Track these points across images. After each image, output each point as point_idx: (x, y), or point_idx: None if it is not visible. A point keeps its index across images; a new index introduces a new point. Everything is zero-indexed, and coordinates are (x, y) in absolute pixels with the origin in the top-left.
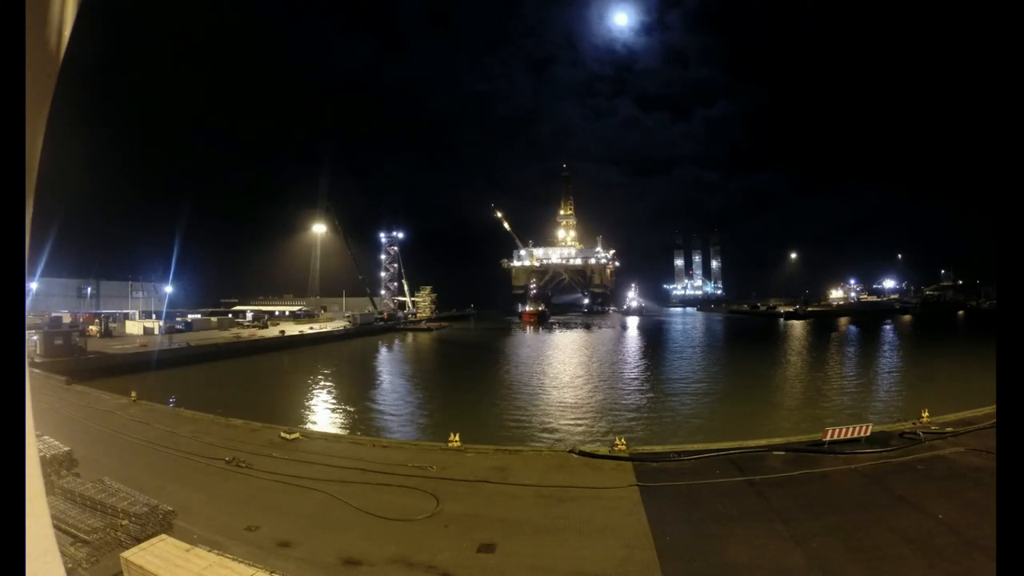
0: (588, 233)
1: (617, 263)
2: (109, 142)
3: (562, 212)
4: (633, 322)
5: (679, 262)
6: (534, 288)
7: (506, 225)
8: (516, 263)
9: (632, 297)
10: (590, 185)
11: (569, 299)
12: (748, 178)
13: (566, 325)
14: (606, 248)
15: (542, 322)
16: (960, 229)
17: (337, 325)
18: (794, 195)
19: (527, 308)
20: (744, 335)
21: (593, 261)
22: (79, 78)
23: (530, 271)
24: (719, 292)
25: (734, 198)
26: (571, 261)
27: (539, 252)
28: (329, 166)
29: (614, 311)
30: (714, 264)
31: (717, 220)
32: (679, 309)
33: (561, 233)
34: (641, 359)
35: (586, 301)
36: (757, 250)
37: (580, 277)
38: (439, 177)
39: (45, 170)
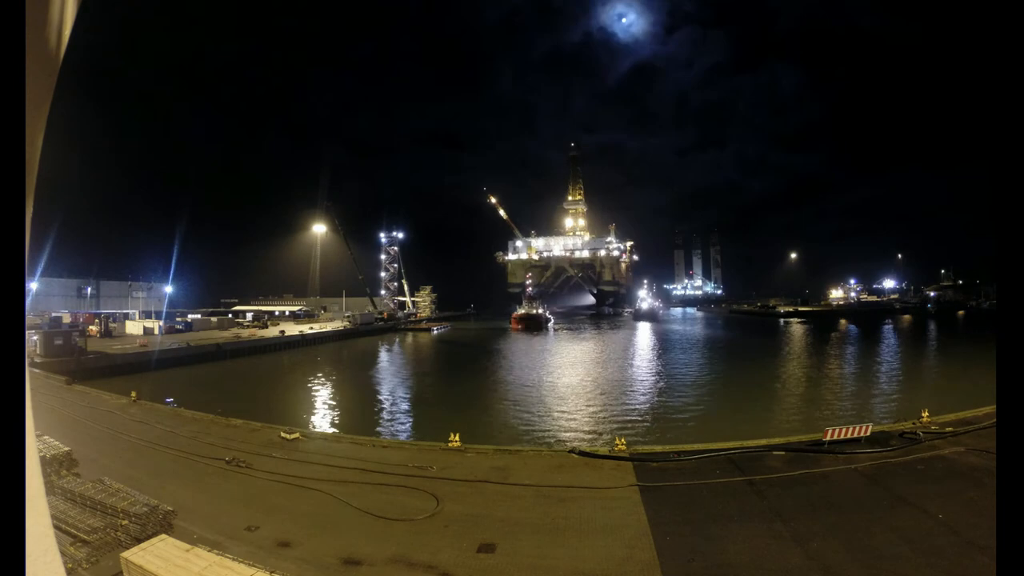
0: (601, 223)
1: (636, 256)
2: (109, 142)
3: (570, 198)
4: (644, 329)
5: (680, 261)
6: (530, 286)
7: (502, 212)
8: (511, 256)
9: (642, 297)
10: (616, 164)
11: (578, 299)
12: (807, 155)
13: (567, 331)
14: (621, 238)
15: (537, 328)
16: (960, 229)
17: (337, 325)
18: (848, 177)
19: (519, 310)
20: (746, 334)
21: (603, 253)
22: (80, 77)
23: (528, 266)
24: (719, 292)
25: (779, 182)
26: (576, 253)
27: (539, 243)
28: (333, 137)
29: (629, 313)
30: (714, 264)
31: (751, 209)
32: (679, 310)
33: (569, 222)
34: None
35: (592, 302)
36: (757, 250)
37: (589, 273)
38: (449, 158)
39: (46, 170)
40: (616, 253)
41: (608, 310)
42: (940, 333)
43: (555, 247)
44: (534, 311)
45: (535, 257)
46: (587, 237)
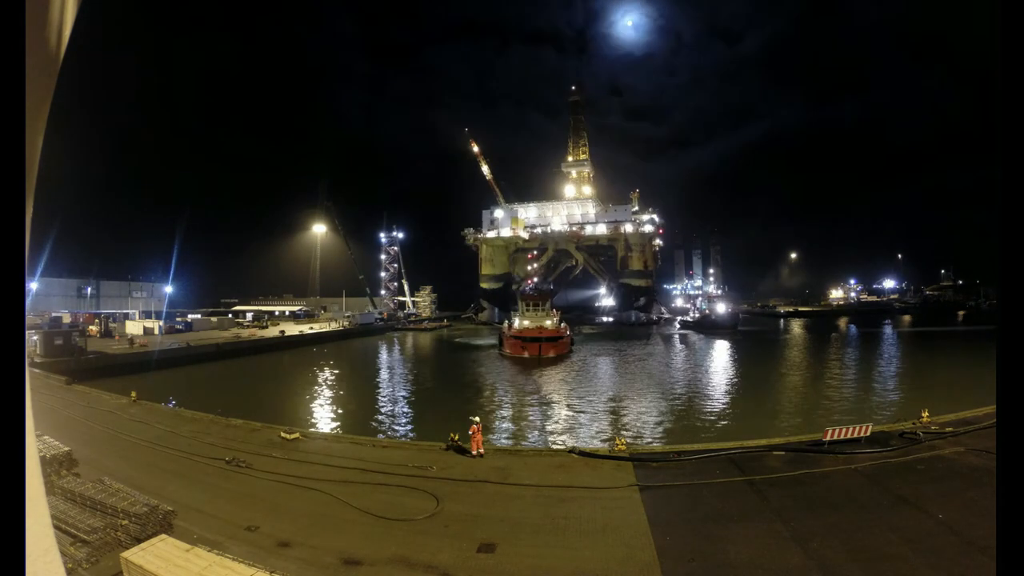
0: (614, 194)
1: (661, 242)
2: (109, 142)
3: (570, 158)
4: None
5: (680, 261)
6: (533, 276)
7: (485, 170)
8: (490, 234)
9: (708, 294)
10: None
11: (584, 297)
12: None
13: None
14: (646, 209)
15: (558, 357)
16: (960, 229)
17: (337, 325)
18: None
19: (516, 324)
20: (746, 334)
21: (629, 228)
22: (80, 77)
23: (514, 249)
24: (720, 293)
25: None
26: (588, 229)
27: (529, 213)
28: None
29: (666, 319)
30: (714, 263)
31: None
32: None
33: (569, 190)
34: None
35: (609, 303)
36: (757, 250)
37: (603, 259)
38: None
39: (46, 170)
40: (649, 228)
41: (635, 316)
42: (941, 334)
43: (553, 219)
44: (548, 324)
45: (524, 235)
46: (599, 207)
